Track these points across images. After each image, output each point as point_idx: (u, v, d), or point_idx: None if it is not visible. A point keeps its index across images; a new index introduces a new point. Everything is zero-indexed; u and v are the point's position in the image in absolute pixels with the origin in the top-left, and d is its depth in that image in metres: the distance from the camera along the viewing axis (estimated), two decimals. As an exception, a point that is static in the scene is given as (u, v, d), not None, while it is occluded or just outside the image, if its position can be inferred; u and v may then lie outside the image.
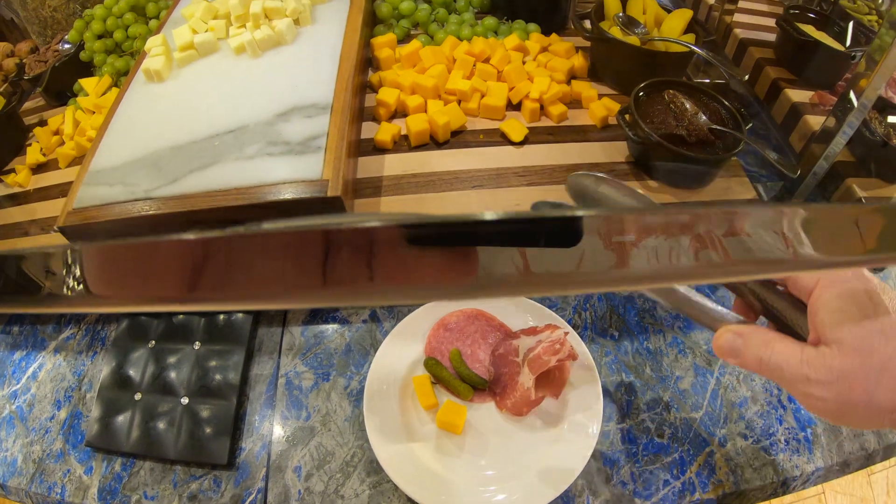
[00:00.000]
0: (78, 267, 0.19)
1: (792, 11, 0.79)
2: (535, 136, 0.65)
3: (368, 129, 0.68)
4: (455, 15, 0.82)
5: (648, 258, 0.18)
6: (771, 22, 0.81)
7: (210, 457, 0.55)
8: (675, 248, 0.17)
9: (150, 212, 0.56)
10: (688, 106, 0.61)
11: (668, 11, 0.73)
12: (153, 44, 0.71)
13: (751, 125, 0.61)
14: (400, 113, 0.70)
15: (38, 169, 0.76)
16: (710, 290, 0.60)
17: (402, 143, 0.66)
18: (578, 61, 0.73)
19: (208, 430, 0.56)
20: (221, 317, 0.62)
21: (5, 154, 0.79)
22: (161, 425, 0.57)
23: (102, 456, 0.57)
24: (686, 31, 0.71)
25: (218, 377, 0.59)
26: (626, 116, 0.61)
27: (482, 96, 0.68)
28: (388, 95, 0.67)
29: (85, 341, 0.65)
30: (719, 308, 0.38)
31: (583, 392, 0.55)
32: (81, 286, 0.18)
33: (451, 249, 0.17)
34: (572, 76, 0.73)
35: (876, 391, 0.30)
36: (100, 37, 0.82)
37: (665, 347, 0.60)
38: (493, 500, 0.50)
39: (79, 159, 0.74)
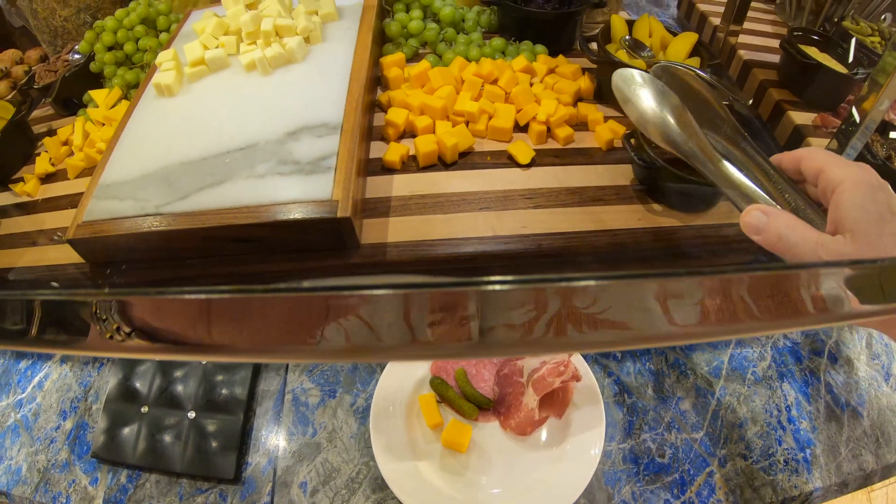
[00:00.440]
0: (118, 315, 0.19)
1: (796, 33, 0.80)
2: (541, 158, 0.66)
3: (376, 148, 0.68)
4: (463, 35, 0.82)
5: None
6: (775, 43, 0.82)
7: (216, 471, 0.55)
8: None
9: (161, 227, 0.56)
10: (692, 130, 0.62)
11: (674, 34, 0.74)
12: (164, 58, 0.71)
13: (754, 149, 0.62)
14: (408, 133, 0.70)
15: (47, 179, 0.76)
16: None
17: (411, 164, 0.66)
18: (585, 83, 0.74)
19: (215, 445, 0.56)
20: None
21: (14, 162, 0.79)
22: (167, 438, 0.57)
23: (108, 467, 0.58)
24: (691, 55, 0.72)
25: (225, 392, 0.59)
26: (632, 140, 0.62)
27: (490, 118, 0.69)
28: (397, 116, 0.68)
29: (91, 353, 0.65)
30: (755, 187, 0.42)
31: (586, 412, 0.56)
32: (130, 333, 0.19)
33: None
34: (578, 98, 0.74)
35: None
36: (110, 48, 0.82)
37: (667, 368, 0.61)
38: (497, 520, 0.51)
39: (88, 171, 0.74)
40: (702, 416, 0.58)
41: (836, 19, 0.89)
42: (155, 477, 0.57)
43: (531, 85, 0.73)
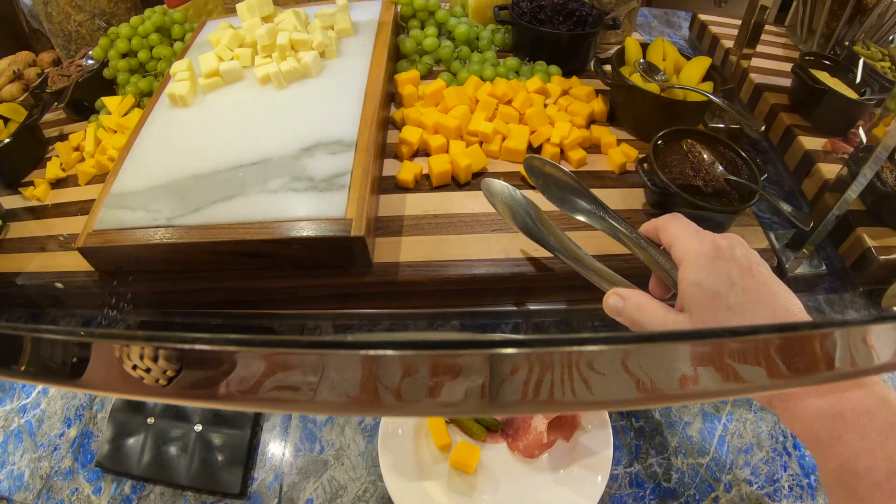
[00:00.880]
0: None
1: (807, 58, 0.81)
2: (554, 179, 0.66)
3: (389, 166, 0.68)
4: (477, 53, 0.83)
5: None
6: (786, 66, 0.82)
7: (222, 485, 0.55)
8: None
9: (172, 240, 0.56)
10: (705, 156, 0.62)
11: (688, 58, 0.74)
12: (178, 68, 0.71)
13: (766, 175, 0.62)
14: (422, 151, 0.70)
15: (58, 184, 0.76)
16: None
17: (424, 183, 0.66)
18: (598, 106, 0.74)
19: (221, 459, 0.56)
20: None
21: (25, 166, 0.79)
22: (173, 451, 0.57)
23: (112, 477, 0.58)
24: (704, 79, 0.72)
25: (232, 406, 0.59)
26: (645, 165, 0.62)
27: (504, 139, 0.69)
28: (411, 134, 0.68)
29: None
30: (613, 273, 0.49)
31: (594, 436, 0.56)
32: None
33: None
34: (592, 121, 0.74)
35: None
36: (124, 56, 0.82)
37: (674, 393, 0.61)
38: (504, 544, 0.50)
39: (99, 177, 0.74)
40: (708, 442, 0.58)
41: (846, 42, 0.90)
42: (160, 489, 0.56)
43: (545, 106, 0.73)
